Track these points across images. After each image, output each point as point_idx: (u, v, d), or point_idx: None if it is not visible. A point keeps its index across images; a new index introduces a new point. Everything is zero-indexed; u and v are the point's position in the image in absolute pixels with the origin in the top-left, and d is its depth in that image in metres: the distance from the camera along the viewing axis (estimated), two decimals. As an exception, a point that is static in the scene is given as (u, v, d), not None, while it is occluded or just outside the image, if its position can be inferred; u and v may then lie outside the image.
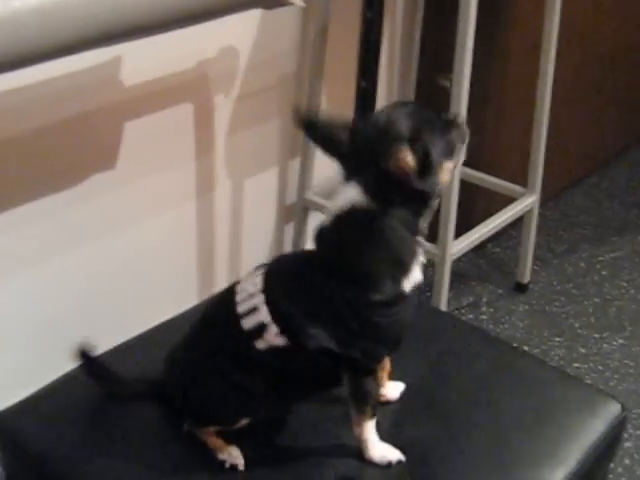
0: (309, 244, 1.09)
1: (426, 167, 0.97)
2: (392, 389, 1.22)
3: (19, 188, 1.53)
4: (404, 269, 1.03)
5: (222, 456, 1.10)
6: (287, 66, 1.99)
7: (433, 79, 2.22)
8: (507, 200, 2.20)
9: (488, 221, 2.10)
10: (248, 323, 1.04)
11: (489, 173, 2.28)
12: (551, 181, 2.42)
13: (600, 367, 2.08)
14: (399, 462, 1.10)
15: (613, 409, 1.25)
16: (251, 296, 1.06)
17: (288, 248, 2.18)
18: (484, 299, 2.32)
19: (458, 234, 1.97)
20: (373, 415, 1.09)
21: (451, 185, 1.82)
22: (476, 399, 1.23)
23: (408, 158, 0.96)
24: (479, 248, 2.27)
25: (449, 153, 1.03)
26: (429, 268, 2.01)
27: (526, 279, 2.35)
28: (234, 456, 1.10)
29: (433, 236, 1.91)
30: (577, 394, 1.28)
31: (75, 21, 1.16)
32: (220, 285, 1.15)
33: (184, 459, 1.12)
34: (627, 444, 1.84)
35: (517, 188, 2.23)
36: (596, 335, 2.19)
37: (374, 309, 1.01)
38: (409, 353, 1.24)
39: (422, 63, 2.30)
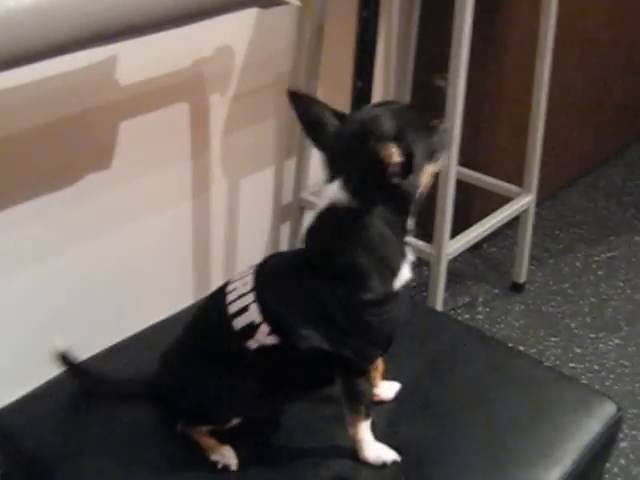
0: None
1: (409, 166, 0.98)
2: (387, 389, 1.21)
3: (13, 188, 1.53)
4: (391, 267, 1.02)
5: (215, 457, 1.10)
6: (283, 65, 1.99)
7: (429, 79, 2.22)
8: (503, 200, 2.20)
9: (484, 221, 2.09)
10: (239, 323, 1.04)
11: (485, 173, 2.28)
12: (547, 181, 2.42)
13: (596, 367, 2.08)
14: (394, 462, 1.10)
15: (609, 409, 1.25)
16: (242, 296, 1.05)
17: (284, 248, 2.18)
18: (480, 299, 2.32)
19: (454, 234, 1.97)
20: (367, 415, 1.09)
21: (447, 185, 1.82)
22: (471, 399, 1.23)
23: (395, 154, 0.96)
24: (475, 248, 2.27)
25: (430, 156, 1.03)
26: (424, 268, 2.01)
27: (522, 279, 2.35)
28: (227, 456, 1.10)
29: (429, 236, 1.91)
30: (573, 394, 1.28)
31: (70, 20, 1.16)
32: (216, 285, 1.15)
33: (177, 459, 1.11)
34: (623, 444, 1.84)
35: (513, 188, 2.23)
36: (592, 335, 2.19)
37: (365, 308, 1.01)
38: (404, 353, 1.24)
39: (418, 63, 2.30)
